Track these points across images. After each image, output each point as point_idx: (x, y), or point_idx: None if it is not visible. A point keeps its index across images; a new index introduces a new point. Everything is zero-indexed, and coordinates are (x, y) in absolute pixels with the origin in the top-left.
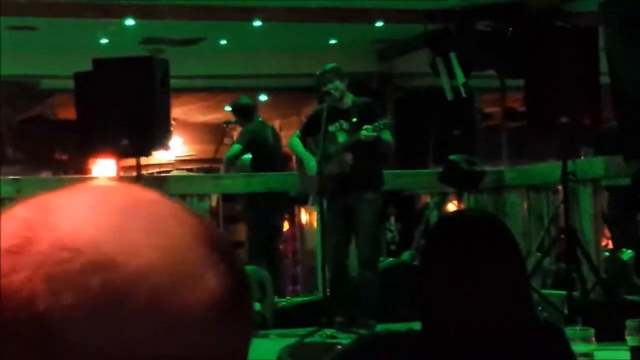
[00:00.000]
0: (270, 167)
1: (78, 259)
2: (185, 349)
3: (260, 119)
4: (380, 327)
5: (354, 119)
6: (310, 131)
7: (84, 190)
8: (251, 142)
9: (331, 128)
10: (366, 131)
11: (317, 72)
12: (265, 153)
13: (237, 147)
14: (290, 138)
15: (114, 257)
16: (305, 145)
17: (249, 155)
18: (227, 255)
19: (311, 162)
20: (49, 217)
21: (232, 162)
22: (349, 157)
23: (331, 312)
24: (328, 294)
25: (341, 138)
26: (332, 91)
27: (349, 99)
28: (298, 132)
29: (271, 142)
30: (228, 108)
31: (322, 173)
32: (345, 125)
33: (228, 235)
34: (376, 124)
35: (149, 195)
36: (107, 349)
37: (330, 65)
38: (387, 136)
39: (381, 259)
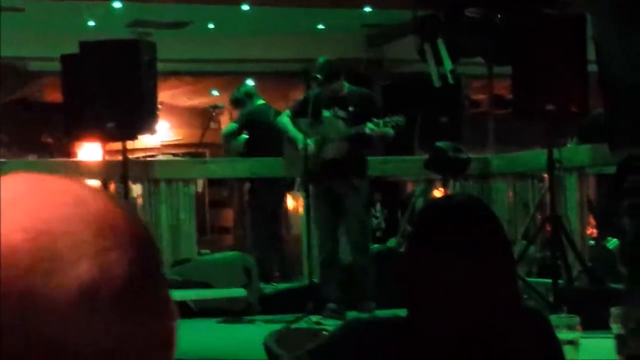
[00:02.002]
0: (267, 149)
1: None
2: (53, 332)
3: (262, 101)
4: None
5: (351, 109)
6: (301, 112)
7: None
8: (248, 122)
9: (326, 114)
10: (374, 126)
11: (314, 70)
12: (263, 134)
13: (233, 125)
14: (279, 116)
15: None
16: (295, 125)
17: (243, 138)
18: (126, 244)
19: (299, 135)
20: None
21: (227, 140)
22: (345, 145)
23: (321, 298)
24: (317, 279)
25: (339, 123)
26: (338, 92)
27: (345, 87)
28: (288, 111)
29: (269, 124)
30: (215, 92)
31: (308, 156)
32: (340, 112)
33: (138, 225)
34: (387, 120)
35: (56, 180)
36: None
37: (321, 61)
38: (390, 131)
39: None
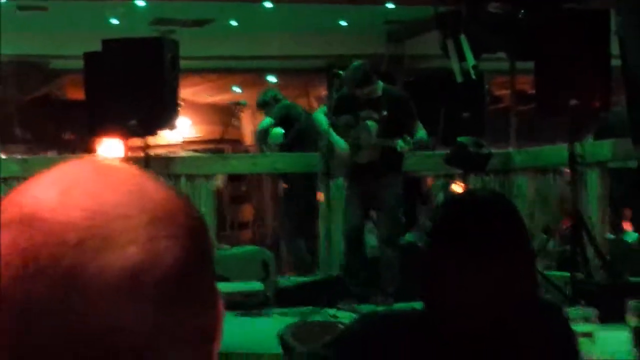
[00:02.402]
0: (302, 144)
1: (14, 211)
2: (93, 308)
3: (288, 102)
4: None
5: (385, 112)
6: (337, 111)
7: (68, 163)
8: (282, 117)
9: (361, 114)
10: (404, 143)
11: (348, 73)
12: (297, 129)
13: (268, 119)
14: (315, 113)
15: (36, 212)
16: (330, 123)
17: (281, 131)
18: (179, 235)
19: (341, 142)
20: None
21: (264, 134)
22: (378, 150)
23: (345, 288)
24: (343, 268)
25: (372, 126)
26: (371, 96)
27: (379, 88)
28: (324, 107)
29: (302, 119)
30: (237, 89)
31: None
32: (375, 114)
33: (195, 219)
34: (415, 140)
35: (122, 167)
36: (21, 297)
37: (355, 66)
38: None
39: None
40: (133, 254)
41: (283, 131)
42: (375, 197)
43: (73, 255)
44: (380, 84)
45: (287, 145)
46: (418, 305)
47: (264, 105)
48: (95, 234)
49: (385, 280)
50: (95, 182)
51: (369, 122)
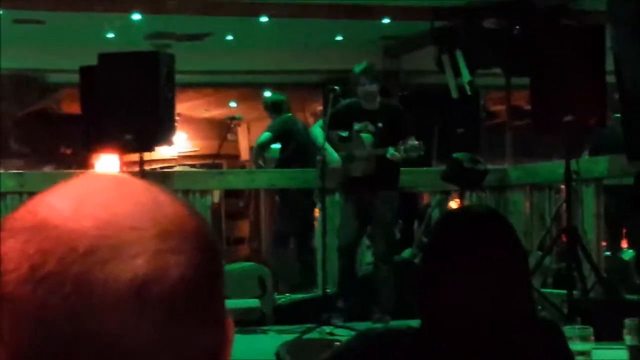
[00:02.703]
0: (301, 160)
1: (29, 218)
2: (99, 317)
3: (290, 114)
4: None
5: (380, 124)
6: (334, 125)
7: (86, 175)
8: (282, 132)
9: (356, 127)
10: (395, 151)
11: (354, 70)
12: (296, 145)
13: (267, 134)
14: (312, 127)
15: (49, 219)
16: (327, 138)
17: (278, 146)
18: (189, 251)
19: (334, 155)
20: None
21: (262, 149)
22: (372, 164)
23: (335, 304)
24: (337, 284)
25: (367, 139)
26: (367, 94)
27: (377, 101)
28: (321, 121)
29: (302, 134)
30: (233, 104)
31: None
32: (370, 127)
33: (208, 237)
34: (407, 147)
35: (139, 182)
36: (27, 301)
37: (363, 65)
38: (411, 156)
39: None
40: (140, 266)
41: (280, 146)
42: (370, 211)
43: (81, 263)
44: (379, 96)
45: (284, 161)
46: (415, 322)
47: (273, 107)
48: (104, 243)
49: (381, 297)
50: (110, 194)
51: (364, 135)
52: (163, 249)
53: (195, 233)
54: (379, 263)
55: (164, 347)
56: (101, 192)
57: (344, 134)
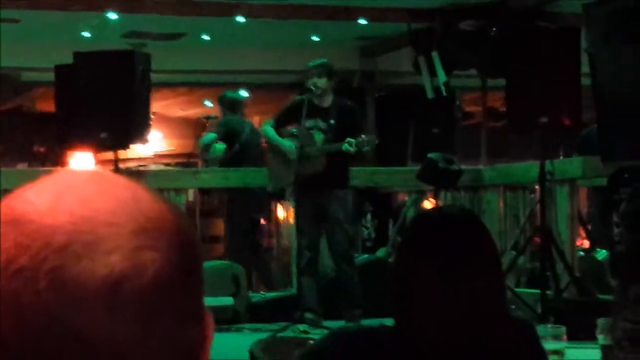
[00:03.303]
0: (243, 161)
1: (6, 212)
2: (73, 313)
3: (239, 114)
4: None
5: (332, 121)
6: (284, 122)
7: (65, 171)
8: (225, 133)
9: (308, 124)
10: (349, 145)
11: (309, 64)
12: (240, 146)
13: (211, 135)
14: (262, 125)
15: (25, 214)
16: (280, 134)
17: (222, 146)
18: (166, 248)
19: (288, 144)
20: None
21: (205, 149)
22: (323, 159)
23: (301, 308)
24: (297, 287)
25: (317, 137)
26: (311, 87)
27: (329, 98)
28: (272, 120)
29: (247, 136)
30: (208, 103)
31: (296, 168)
32: (322, 124)
33: (187, 234)
34: (360, 140)
35: (119, 178)
36: (1, 294)
37: (318, 61)
38: (366, 150)
39: (355, 255)
40: (115, 262)
41: (224, 146)
42: (323, 211)
43: (55, 259)
44: (331, 94)
45: (227, 161)
46: (389, 321)
47: (229, 104)
48: (79, 239)
49: (348, 295)
50: (88, 189)
51: (315, 132)
52: (139, 246)
53: (173, 230)
54: (339, 262)
55: (138, 344)
56: (79, 188)
57: (294, 130)
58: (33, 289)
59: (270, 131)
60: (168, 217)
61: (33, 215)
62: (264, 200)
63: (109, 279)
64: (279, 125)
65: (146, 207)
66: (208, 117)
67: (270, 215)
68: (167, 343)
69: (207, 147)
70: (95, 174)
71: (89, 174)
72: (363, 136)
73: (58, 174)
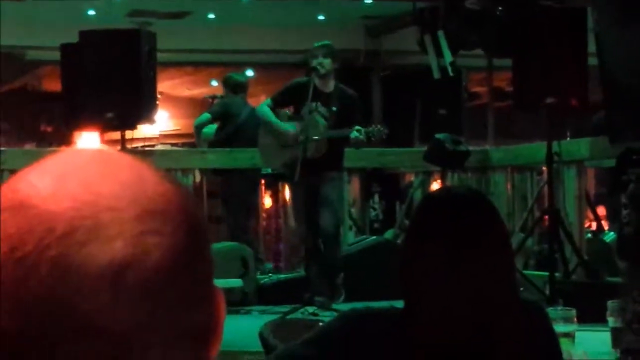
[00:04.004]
0: (236, 143)
1: (10, 197)
2: (78, 300)
3: (241, 97)
4: (362, 305)
5: (334, 108)
6: (284, 103)
7: (69, 151)
8: (220, 114)
9: (308, 107)
10: (358, 134)
11: (313, 45)
12: (234, 127)
13: (205, 115)
14: (259, 105)
15: (28, 199)
16: (277, 116)
17: (212, 128)
18: (171, 232)
19: (287, 126)
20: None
21: (198, 129)
22: (324, 146)
23: (310, 291)
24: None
25: (320, 121)
26: (317, 67)
27: (331, 83)
28: (269, 100)
29: (243, 119)
30: (214, 83)
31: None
32: (322, 109)
33: (194, 215)
34: (371, 129)
35: (123, 157)
36: (6, 281)
37: (322, 42)
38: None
39: (363, 236)
40: (119, 248)
41: (214, 128)
42: (317, 192)
43: (58, 246)
44: (333, 81)
45: (218, 142)
46: (398, 303)
47: (233, 86)
48: (82, 225)
49: (331, 274)
50: (92, 171)
51: (317, 118)
52: (143, 231)
53: (180, 212)
54: (325, 242)
55: (143, 329)
56: (83, 170)
57: (287, 112)
58: (36, 276)
59: (267, 111)
60: (174, 199)
61: (36, 200)
62: (258, 184)
63: (112, 266)
64: (276, 106)
65: (151, 189)
66: (214, 97)
67: (277, 195)
68: (174, 327)
69: (198, 128)
70: (99, 153)
71: (92, 154)
72: (377, 126)
73: (61, 154)
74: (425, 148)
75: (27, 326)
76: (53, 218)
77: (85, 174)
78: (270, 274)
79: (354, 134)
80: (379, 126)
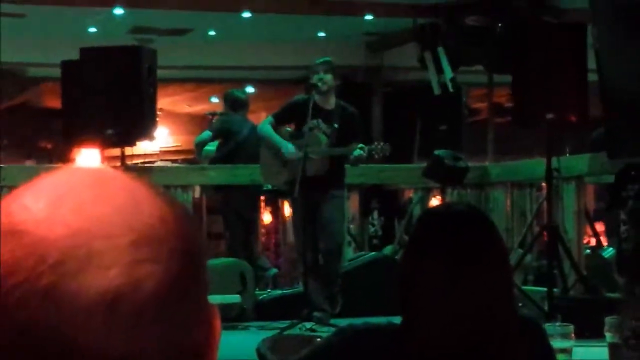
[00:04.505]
0: (237, 160)
1: (5, 220)
2: (71, 330)
3: (242, 114)
4: (361, 321)
5: (336, 125)
6: (285, 120)
7: (63, 170)
8: (221, 131)
9: (309, 125)
10: (362, 152)
11: (315, 62)
12: (235, 145)
13: (206, 133)
14: (261, 123)
15: (22, 223)
16: (278, 133)
17: (212, 147)
18: (165, 259)
19: (288, 146)
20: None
21: (199, 147)
22: (327, 161)
23: (308, 307)
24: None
25: (321, 138)
26: (318, 83)
27: (332, 100)
28: (270, 118)
29: (244, 135)
30: (215, 99)
31: (302, 163)
32: (324, 126)
33: (189, 239)
34: (374, 147)
35: (117, 177)
36: None
37: (324, 59)
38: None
39: (362, 252)
40: (113, 278)
41: (215, 146)
42: (318, 210)
43: (51, 274)
44: (334, 97)
45: (221, 159)
46: (397, 319)
47: (233, 102)
48: (75, 254)
49: (329, 295)
50: (86, 194)
51: (319, 135)
52: (137, 259)
53: (175, 236)
54: (326, 260)
55: (136, 357)
56: (77, 192)
57: (288, 130)
58: (29, 305)
59: (268, 129)
60: (169, 221)
61: (29, 225)
62: (258, 200)
63: (105, 295)
64: (277, 123)
65: (146, 213)
66: (214, 114)
67: (277, 211)
68: (169, 350)
69: (199, 145)
70: (94, 173)
71: (87, 174)
72: (380, 143)
73: (57, 173)
74: (424, 164)
75: (21, 354)
76: (46, 245)
77: (80, 197)
78: (269, 290)
79: (357, 152)
80: (381, 144)
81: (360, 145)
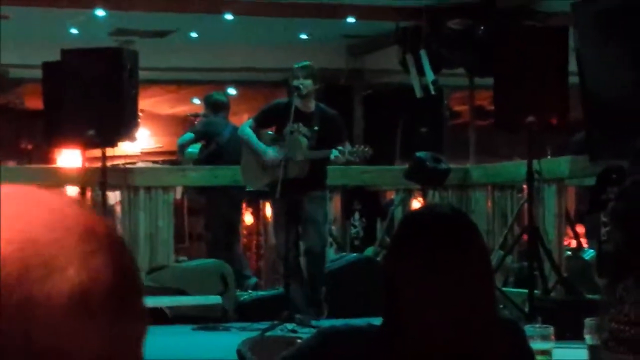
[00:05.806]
0: (219, 161)
1: None
2: (52, 337)
3: (223, 116)
4: (342, 322)
5: (316, 128)
6: (265, 123)
7: None
8: (203, 133)
9: (289, 128)
10: (341, 155)
11: (294, 66)
12: (216, 147)
13: (189, 135)
14: (241, 126)
15: None
16: (259, 136)
17: (195, 149)
18: (108, 248)
19: (268, 149)
20: None
21: (182, 148)
22: (307, 166)
23: (289, 309)
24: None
25: (302, 141)
26: (300, 86)
27: (312, 104)
28: (251, 121)
29: (225, 138)
30: (196, 101)
31: (283, 166)
32: (303, 129)
33: (113, 230)
34: (354, 150)
35: (26, 189)
36: None
37: (303, 63)
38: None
39: (343, 253)
40: (74, 276)
41: (198, 148)
42: (300, 212)
43: (19, 290)
44: (314, 101)
45: (200, 161)
46: (378, 320)
47: (213, 105)
48: (33, 264)
49: (313, 297)
50: (7, 210)
51: (299, 138)
52: (87, 253)
53: (106, 232)
54: (309, 261)
55: (113, 348)
56: (9, 206)
57: (270, 133)
58: (8, 321)
59: (249, 132)
60: (93, 218)
61: None
62: (239, 202)
63: (72, 295)
64: (257, 126)
65: (72, 214)
66: (196, 115)
67: (259, 213)
68: (134, 339)
69: (182, 147)
70: (18, 189)
71: (11, 191)
72: (361, 146)
73: None
74: (406, 166)
75: None
76: (3, 265)
77: (3, 215)
78: (250, 291)
79: (334, 154)
80: (362, 147)
81: (340, 148)
